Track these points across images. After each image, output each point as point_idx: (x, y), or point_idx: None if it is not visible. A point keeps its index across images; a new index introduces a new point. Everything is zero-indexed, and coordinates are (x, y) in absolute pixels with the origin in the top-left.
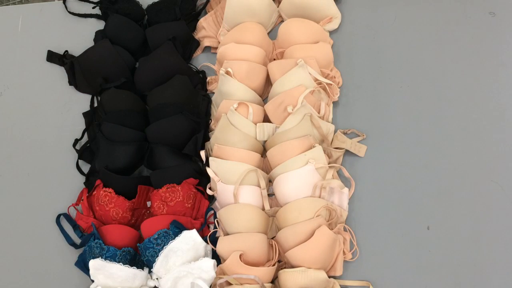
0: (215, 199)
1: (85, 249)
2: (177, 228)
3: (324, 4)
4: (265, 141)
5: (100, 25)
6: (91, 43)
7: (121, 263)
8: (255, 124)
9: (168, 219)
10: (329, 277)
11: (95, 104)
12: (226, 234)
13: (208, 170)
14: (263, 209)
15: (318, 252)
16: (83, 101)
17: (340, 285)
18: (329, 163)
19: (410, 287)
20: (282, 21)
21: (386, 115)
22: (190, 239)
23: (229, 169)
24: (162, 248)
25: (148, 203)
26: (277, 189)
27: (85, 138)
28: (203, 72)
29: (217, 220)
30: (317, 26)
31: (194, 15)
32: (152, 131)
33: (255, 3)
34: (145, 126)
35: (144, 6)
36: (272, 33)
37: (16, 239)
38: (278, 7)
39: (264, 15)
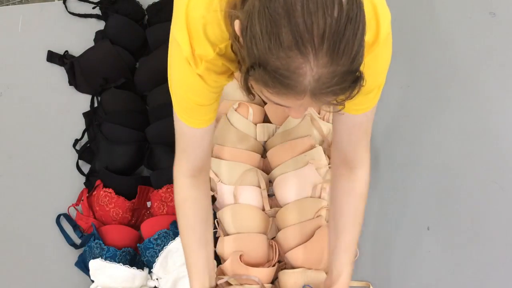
0: (215, 199)
1: (85, 249)
2: (177, 228)
3: None
4: (265, 141)
5: (100, 25)
6: (91, 43)
7: (121, 264)
8: (255, 124)
9: (168, 219)
10: None
11: (95, 104)
12: (226, 234)
13: None
14: (263, 209)
15: (318, 252)
16: (83, 101)
17: None
18: (329, 164)
19: (410, 287)
20: None
21: (386, 115)
22: None
23: (229, 169)
24: (162, 248)
25: (148, 203)
26: (277, 190)
27: (85, 138)
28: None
29: (217, 220)
30: None
31: None
32: (152, 131)
33: None
34: (145, 126)
35: (144, 6)
36: None
37: (16, 239)
38: None
39: None
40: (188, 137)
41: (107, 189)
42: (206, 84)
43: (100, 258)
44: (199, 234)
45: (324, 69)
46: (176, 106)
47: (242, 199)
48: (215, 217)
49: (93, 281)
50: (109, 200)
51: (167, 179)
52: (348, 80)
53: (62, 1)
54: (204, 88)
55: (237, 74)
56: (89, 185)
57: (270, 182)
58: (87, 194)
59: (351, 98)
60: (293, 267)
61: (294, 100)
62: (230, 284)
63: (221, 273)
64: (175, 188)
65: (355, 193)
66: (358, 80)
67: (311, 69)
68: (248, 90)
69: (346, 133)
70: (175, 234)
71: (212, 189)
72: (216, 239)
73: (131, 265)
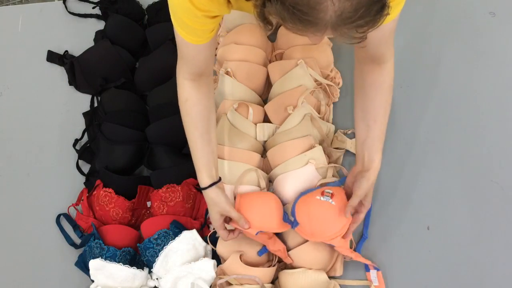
0: None
1: (85, 249)
2: (177, 228)
3: None
4: (265, 141)
5: (100, 25)
6: (91, 43)
7: (121, 263)
8: (255, 124)
9: (168, 219)
10: (329, 277)
11: (95, 104)
12: None
13: None
14: None
15: (318, 252)
16: (83, 101)
17: (340, 285)
18: (329, 163)
19: (410, 287)
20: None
21: None
22: (190, 239)
23: (229, 169)
24: (162, 248)
25: (148, 203)
26: (277, 189)
27: (85, 138)
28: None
29: None
30: None
31: None
32: (152, 131)
33: None
34: (145, 126)
35: (144, 6)
36: (271, 36)
37: (16, 239)
38: None
39: None
40: (184, 48)
41: (107, 189)
42: (193, 6)
43: (100, 258)
44: (201, 131)
45: (347, 3)
46: (171, 16)
47: None
48: None
49: (93, 281)
50: (109, 200)
51: (167, 179)
52: (374, 10)
53: (62, 1)
54: (190, 10)
55: (240, 5)
56: (89, 185)
57: (270, 182)
58: (87, 194)
59: (375, 29)
60: (293, 267)
61: (313, 35)
62: (230, 284)
63: (221, 273)
64: (177, 89)
65: (386, 86)
66: (383, 9)
67: (332, 4)
68: (265, 21)
69: (376, 40)
70: (175, 234)
71: None
72: (216, 239)
73: (131, 265)
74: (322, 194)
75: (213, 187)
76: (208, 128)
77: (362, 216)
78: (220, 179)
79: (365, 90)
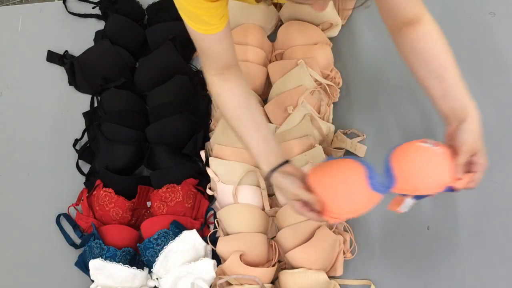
0: (215, 199)
1: (85, 249)
2: (177, 228)
3: (325, 11)
4: None
5: (100, 25)
6: (91, 43)
7: (121, 263)
8: None
9: (168, 219)
10: (329, 277)
11: (95, 104)
12: (226, 234)
13: (208, 170)
14: (263, 209)
15: (318, 252)
16: (83, 101)
17: (340, 285)
18: None
19: (410, 287)
20: (282, 25)
21: (386, 115)
22: (190, 239)
23: (229, 169)
24: (162, 248)
25: (148, 203)
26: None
27: (85, 138)
28: (203, 72)
29: (217, 220)
30: (316, 28)
31: None
32: (152, 131)
33: (255, 7)
34: (145, 126)
35: (144, 6)
36: (271, 36)
37: (16, 239)
38: (278, 12)
39: (264, 19)
40: (199, 41)
41: (107, 189)
42: None
43: (100, 258)
44: (245, 121)
45: None
46: (178, 9)
47: (242, 198)
48: (215, 217)
49: (93, 281)
50: (109, 200)
51: (167, 179)
52: None
53: (62, 1)
54: None
55: None
56: (89, 185)
57: None
58: (87, 194)
59: None
60: (293, 267)
61: None
62: (230, 284)
63: (221, 273)
64: (208, 86)
65: (435, 33)
66: None
67: None
68: None
69: (403, 3)
70: (175, 234)
71: (212, 189)
72: (216, 239)
73: (131, 265)
74: (424, 142)
75: (275, 173)
76: (251, 116)
77: (479, 176)
78: (286, 161)
79: (418, 49)
